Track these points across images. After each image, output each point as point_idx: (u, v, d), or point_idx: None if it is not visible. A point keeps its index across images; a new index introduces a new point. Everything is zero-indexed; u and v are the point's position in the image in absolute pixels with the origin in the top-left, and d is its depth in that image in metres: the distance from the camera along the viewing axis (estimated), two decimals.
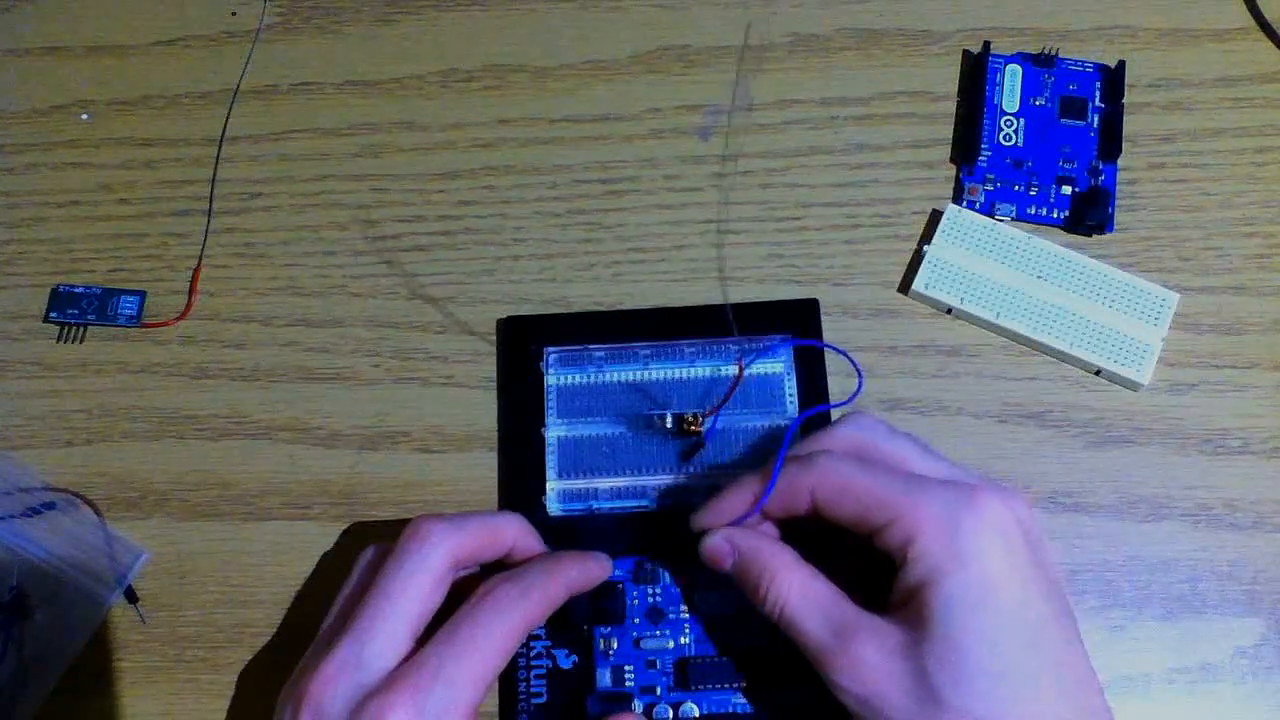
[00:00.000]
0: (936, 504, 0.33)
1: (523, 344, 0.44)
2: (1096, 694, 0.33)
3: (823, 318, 0.44)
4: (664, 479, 0.42)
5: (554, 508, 0.42)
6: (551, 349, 0.44)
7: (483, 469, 0.43)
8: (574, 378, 0.43)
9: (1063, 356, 0.43)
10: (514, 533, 0.37)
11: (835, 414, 0.43)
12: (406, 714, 0.32)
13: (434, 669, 0.33)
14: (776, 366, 0.43)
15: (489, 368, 0.45)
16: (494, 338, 0.45)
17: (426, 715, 0.32)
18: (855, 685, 0.32)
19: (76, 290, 0.46)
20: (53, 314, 0.46)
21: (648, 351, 0.43)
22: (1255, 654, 0.40)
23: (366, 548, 0.38)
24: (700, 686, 0.38)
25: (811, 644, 0.34)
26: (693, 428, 0.42)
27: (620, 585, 0.40)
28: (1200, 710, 0.40)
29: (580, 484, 0.42)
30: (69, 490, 0.42)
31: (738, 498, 0.36)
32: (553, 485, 0.42)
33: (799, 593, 0.34)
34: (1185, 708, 0.40)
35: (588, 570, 0.38)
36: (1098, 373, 0.43)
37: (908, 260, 0.45)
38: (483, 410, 0.44)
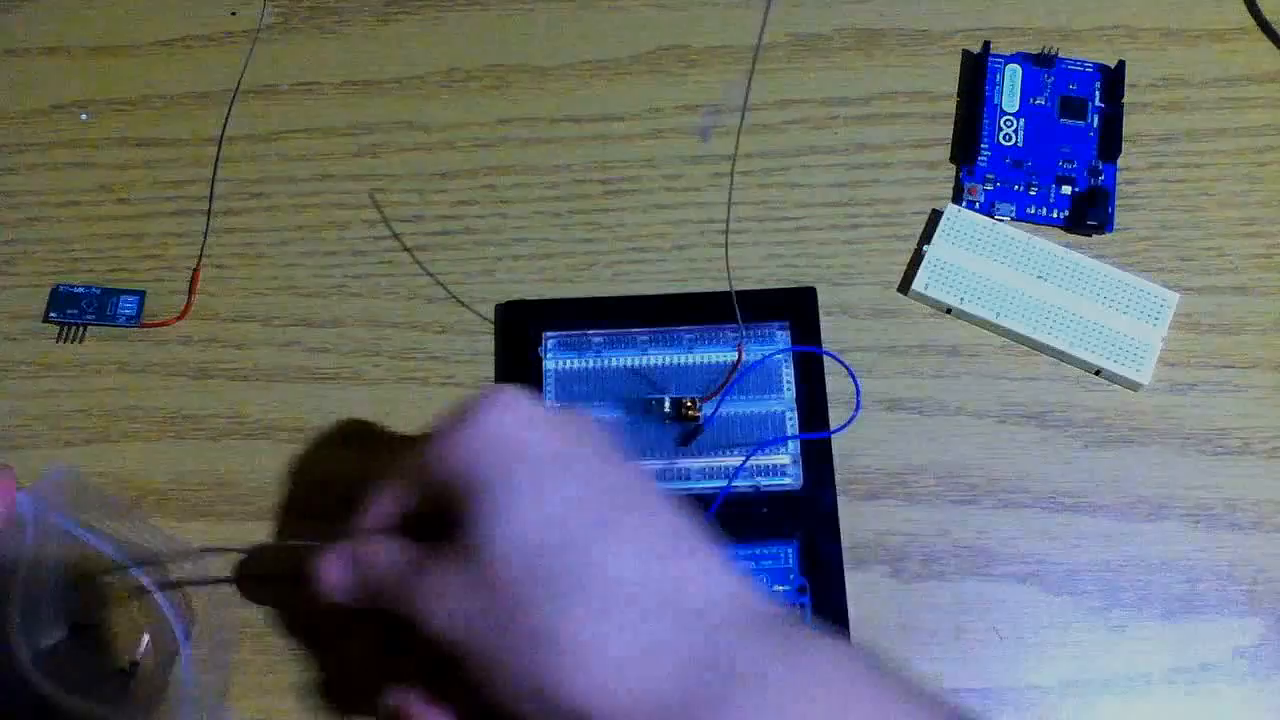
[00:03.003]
0: (448, 420, 0.33)
1: (522, 328, 0.44)
2: (671, 519, 0.32)
3: (823, 318, 0.44)
4: (662, 463, 0.42)
5: None
6: (550, 334, 0.44)
7: None
8: (573, 362, 0.44)
9: (1063, 356, 0.43)
10: None
11: (836, 437, 0.43)
12: None
13: None
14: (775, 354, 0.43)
15: (489, 368, 0.45)
16: (494, 338, 0.45)
17: None
18: (438, 607, 0.31)
19: (76, 290, 0.46)
20: (53, 314, 0.46)
21: (646, 337, 0.44)
22: (1255, 654, 0.40)
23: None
24: None
25: (395, 598, 0.32)
26: (691, 413, 0.42)
27: None
28: (1200, 710, 0.40)
29: None
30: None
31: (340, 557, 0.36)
32: None
33: (378, 562, 0.34)
34: (1185, 708, 0.40)
35: None
36: (1098, 373, 0.43)
37: (908, 260, 0.45)
38: None
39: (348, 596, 0.35)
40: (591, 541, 0.30)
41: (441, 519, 0.32)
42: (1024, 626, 0.40)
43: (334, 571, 0.35)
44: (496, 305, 0.45)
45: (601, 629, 0.29)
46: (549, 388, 0.43)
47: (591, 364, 0.44)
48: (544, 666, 0.29)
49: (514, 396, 0.33)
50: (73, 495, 0.40)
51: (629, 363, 0.43)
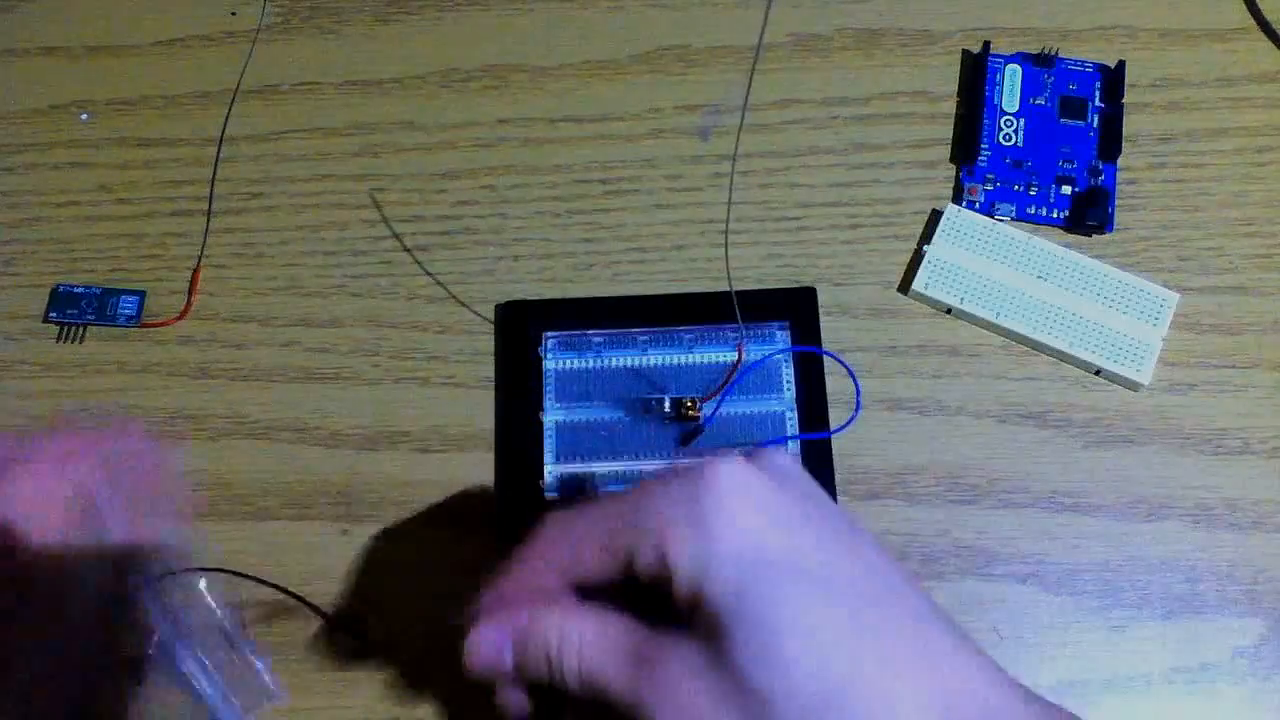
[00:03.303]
0: (667, 500, 0.29)
1: (522, 328, 0.44)
2: (928, 617, 0.29)
3: (823, 318, 0.44)
4: (662, 464, 0.42)
5: (552, 491, 0.42)
6: (550, 334, 0.44)
7: (483, 468, 0.43)
8: (572, 362, 0.44)
9: (1063, 356, 0.43)
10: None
11: (836, 439, 0.43)
12: None
13: None
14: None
15: (488, 368, 0.45)
16: (493, 338, 0.45)
17: None
18: (675, 716, 0.28)
19: (76, 290, 0.46)
20: (53, 314, 0.46)
21: (646, 337, 0.44)
22: (1255, 654, 0.40)
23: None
24: None
25: (617, 689, 0.29)
26: (691, 413, 0.42)
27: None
28: (1200, 710, 0.40)
29: (578, 468, 0.42)
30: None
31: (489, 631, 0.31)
32: (550, 469, 0.42)
33: (592, 641, 0.29)
34: (1185, 708, 0.40)
35: None
36: (1098, 373, 0.43)
37: (908, 260, 0.45)
38: (483, 410, 0.44)
39: (507, 669, 0.31)
40: (871, 681, 0.27)
41: (650, 593, 0.29)
42: (1024, 626, 0.40)
43: (493, 645, 0.31)
44: (496, 305, 0.45)
45: None
46: (549, 388, 0.43)
47: (591, 364, 0.44)
48: None
49: (744, 480, 0.29)
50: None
51: (629, 363, 0.43)
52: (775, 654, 0.27)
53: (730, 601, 0.27)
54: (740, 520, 0.28)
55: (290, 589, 0.41)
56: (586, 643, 0.29)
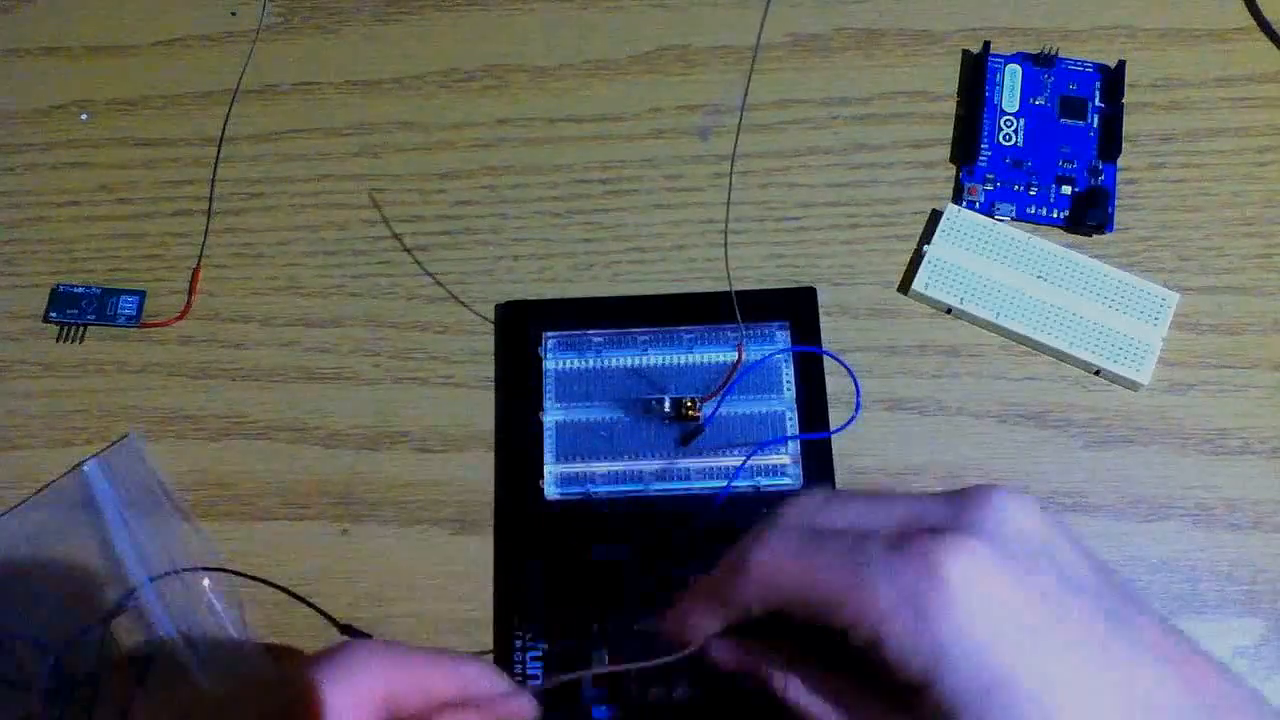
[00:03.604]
0: (886, 583, 0.26)
1: (522, 328, 0.44)
2: (1202, 672, 0.27)
3: (823, 318, 0.44)
4: (662, 463, 0.42)
5: (551, 492, 0.42)
6: (550, 334, 0.44)
7: (482, 469, 0.43)
8: (572, 362, 0.44)
9: (1063, 356, 0.43)
10: (476, 676, 0.29)
11: (835, 439, 0.43)
12: None
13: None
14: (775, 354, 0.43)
15: (488, 368, 0.45)
16: (493, 338, 0.45)
17: None
18: None
19: (76, 290, 0.46)
20: (53, 314, 0.46)
21: (646, 337, 0.44)
22: (1255, 654, 0.40)
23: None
24: (692, 669, 0.38)
25: None
26: (691, 412, 0.42)
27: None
28: None
29: (578, 468, 0.42)
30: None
31: (689, 621, 0.30)
32: (550, 469, 0.42)
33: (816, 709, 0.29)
34: None
35: (498, 691, 0.29)
36: (1098, 373, 0.43)
37: (908, 260, 0.45)
38: (482, 410, 0.44)
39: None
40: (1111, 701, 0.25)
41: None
42: None
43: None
44: (496, 305, 0.45)
45: None
46: (549, 387, 0.43)
47: (591, 364, 0.44)
48: None
49: (980, 576, 0.26)
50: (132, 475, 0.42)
51: (629, 363, 0.43)
52: None
53: (968, 705, 0.25)
54: (972, 628, 0.25)
55: (290, 589, 0.41)
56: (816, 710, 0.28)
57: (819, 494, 0.30)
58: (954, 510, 0.27)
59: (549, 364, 0.44)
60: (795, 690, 0.29)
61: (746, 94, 0.47)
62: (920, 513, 0.28)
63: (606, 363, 0.44)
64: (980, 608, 0.25)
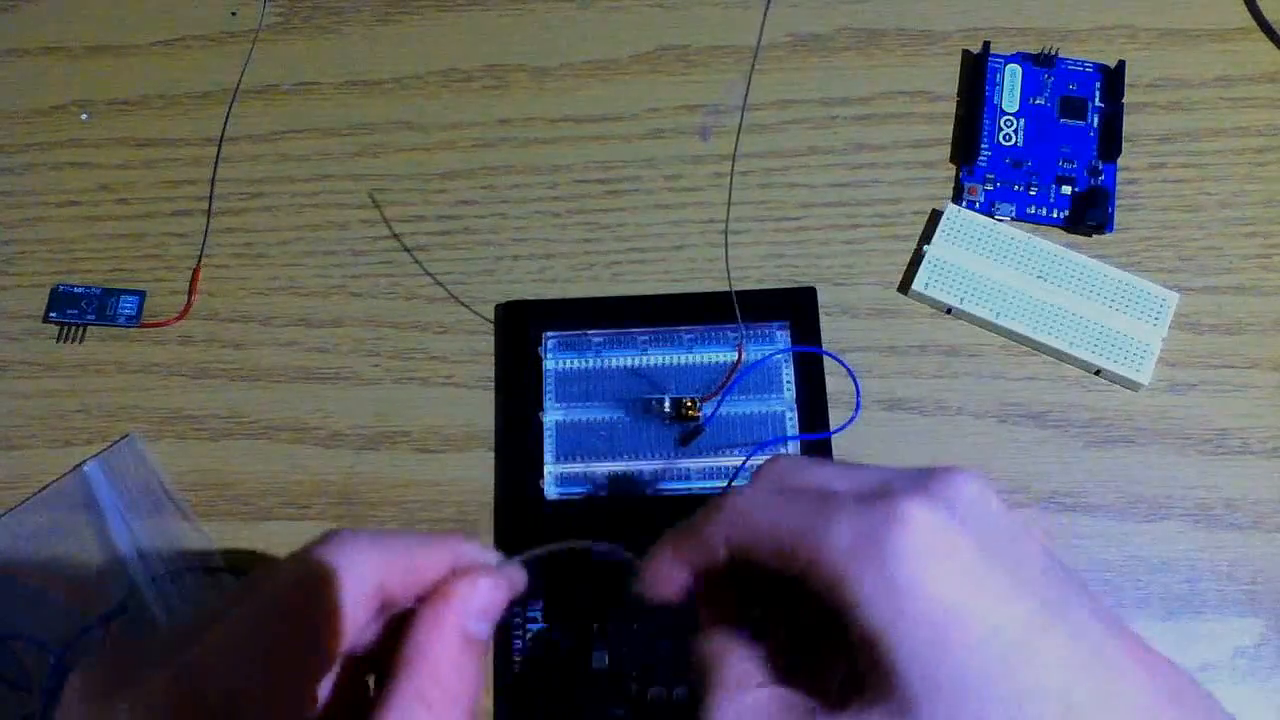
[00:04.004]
0: (850, 532, 0.26)
1: (522, 328, 0.44)
2: (1144, 681, 0.26)
3: (823, 318, 0.44)
4: (662, 464, 0.42)
5: (551, 491, 0.42)
6: (550, 334, 0.44)
7: (482, 468, 0.43)
8: (572, 362, 0.44)
9: (1063, 356, 0.43)
10: (457, 548, 0.29)
11: (834, 440, 0.43)
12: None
13: None
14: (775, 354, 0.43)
15: (488, 368, 0.45)
16: (493, 338, 0.45)
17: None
18: None
19: (76, 290, 0.46)
20: (53, 314, 0.46)
21: (646, 337, 0.44)
22: (1255, 654, 0.40)
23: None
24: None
25: None
26: (691, 412, 0.42)
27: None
28: None
29: (578, 468, 0.42)
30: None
31: (663, 568, 0.30)
32: (550, 469, 0.42)
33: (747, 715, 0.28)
34: None
35: (481, 562, 0.29)
36: (1098, 373, 0.43)
37: (908, 260, 0.45)
38: (482, 410, 0.44)
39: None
40: (1062, 683, 0.25)
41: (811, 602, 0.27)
42: None
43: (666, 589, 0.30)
44: (496, 305, 0.45)
45: None
46: (549, 387, 0.43)
47: (591, 364, 0.44)
48: None
49: (941, 535, 0.26)
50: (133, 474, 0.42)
51: (629, 363, 0.43)
52: (967, 711, 0.25)
53: (912, 678, 0.25)
54: (932, 583, 0.25)
55: None
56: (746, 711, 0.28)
57: (795, 456, 0.30)
58: (920, 480, 0.28)
59: (549, 364, 0.44)
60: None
61: (747, 94, 0.47)
62: (889, 479, 0.28)
63: (606, 363, 0.44)
64: (941, 556, 0.26)
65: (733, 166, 0.46)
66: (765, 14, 0.49)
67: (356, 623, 0.27)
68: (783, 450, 0.42)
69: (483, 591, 0.28)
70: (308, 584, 0.26)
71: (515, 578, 0.30)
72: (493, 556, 0.29)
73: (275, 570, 0.27)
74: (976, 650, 0.25)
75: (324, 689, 0.27)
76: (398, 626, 0.28)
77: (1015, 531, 0.28)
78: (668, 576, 0.30)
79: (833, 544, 0.26)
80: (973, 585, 0.26)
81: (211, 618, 0.26)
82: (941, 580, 0.26)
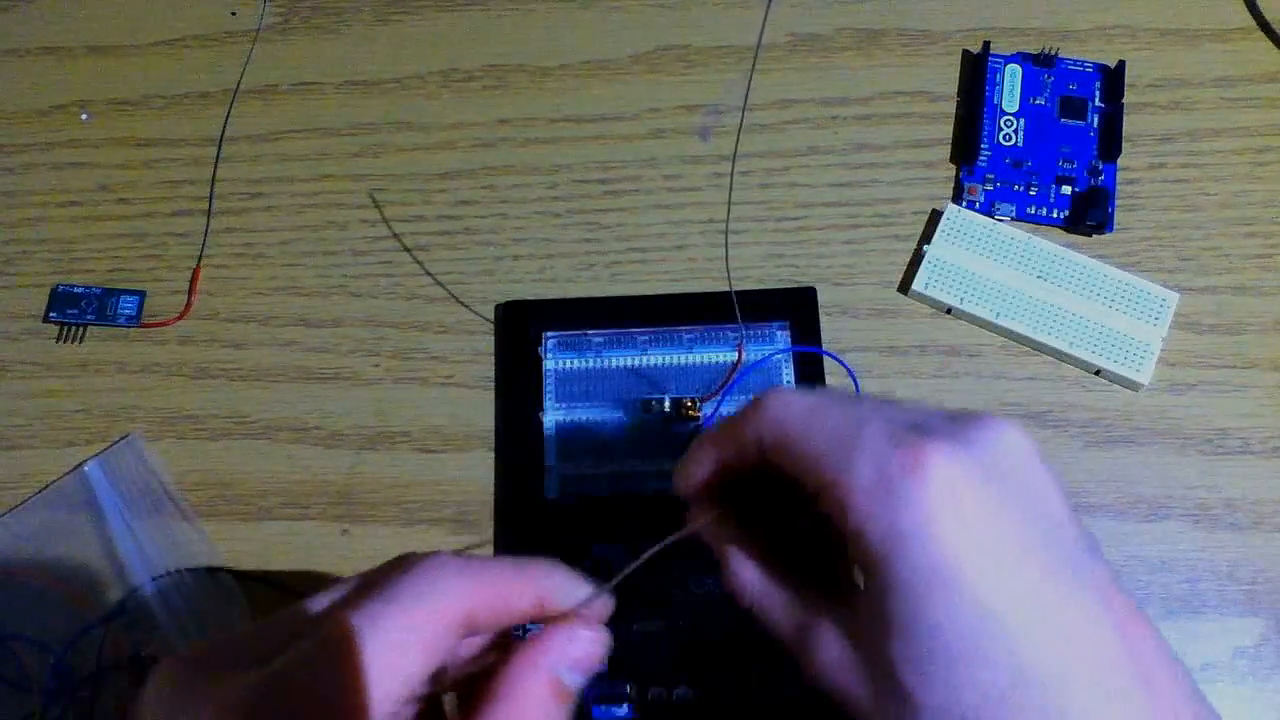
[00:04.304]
0: (869, 467, 0.27)
1: (522, 328, 0.44)
2: (1121, 652, 0.27)
3: (823, 318, 0.44)
4: (662, 464, 0.42)
5: (551, 491, 0.42)
6: (550, 334, 0.44)
7: (483, 468, 0.43)
8: (573, 362, 0.44)
9: (1063, 356, 0.43)
10: (555, 579, 0.29)
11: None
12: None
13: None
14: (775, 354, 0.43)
15: (488, 368, 0.45)
16: (493, 338, 0.45)
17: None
18: (817, 680, 0.29)
19: (76, 290, 0.46)
20: (53, 314, 0.46)
21: (646, 337, 0.44)
22: (1255, 654, 0.40)
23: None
24: (693, 670, 0.39)
25: (776, 635, 0.31)
26: (691, 413, 0.42)
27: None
28: None
29: (578, 468, 0.42)
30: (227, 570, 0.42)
31: (702, 461, 0.32)
32: (551, 469, 0.42)
33: (757, 588, 0.31)
34: None
35: (572, 590, 0.29)
36: (1098, 373, 0.43)
37: (908, 260, 0.45)
38: (482, 410, 0.44)
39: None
40: (1038, 646, 0.26)
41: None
42: None
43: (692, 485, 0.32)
44: (496, 305, 0.45)
45: None
46: (549, 387, 0.43)
47: (591, 364, 0.44)
48: None
49: (960, 481, 0.27)
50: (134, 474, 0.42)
51: (629, 363, 0.43)
52: (933, 670, 0.26)
53: (901, 603, 0.27)
54: (936, 527, 0.26)
55: (290, 588, 0.41)
56: (752, 591, 0.31)
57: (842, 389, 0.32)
58: (956, 426, 0.28)
59: (549, 364, 0.44)
60: (748, 587, 0.31)
61: (747, 94, 0.47)
62: (927, 419, 0.29)
63: (606, 363, 0.44)
64: (948, 508, 0.26)
65: (733, 166, 0.46)
66: (766, 14, 0.49)
67: (442, 648, 0.26)
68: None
69: (582, 644, 0.28)
70: (399, 604, 0.26)
71: (604, 608, 0.30)
72: (584, 589, 0.29)
73: (372, 585, 0.27)
74: (956, 610, 0.26)
75: (407, 708, 0.27)
76: (479, 650, 0.29)
77: (1041, 491, 0.28)
78: (701, 465, 0.32)
79: (853, 475, 0.27)
80: (974, 547, 0.26)
81: (300, 621, 0.26)
82: (945, 537, 0.26)
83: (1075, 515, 0.29)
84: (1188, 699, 0.27)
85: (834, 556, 0.31)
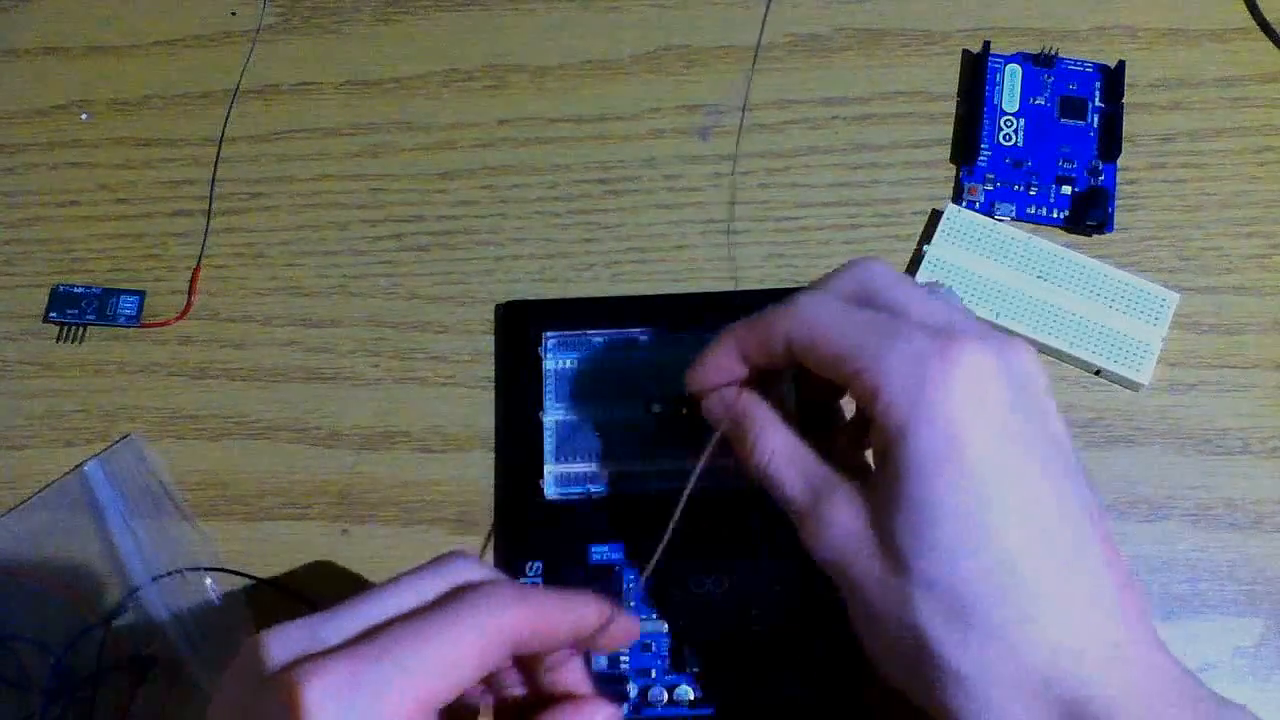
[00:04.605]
0: (903, 353, 0.30)
1: (522, 328, 0.44)
2: (1100, 561, 0.30)
3: None
4: (662, 464, 0.42)
5: (551, 491, 0.42)
6: (550, 333, 0.44)
7: (483, 468, 0.43)
8: (572, 362, 0.44)
9: (1063, 356, 0.44)
10: (595, 610, 0.32)
11: None
12: (338, 679, 0.27)
13: (386, 645, 0.28)
14: None
15: (488, 368, 0.45)
16: (493, 338, 0.45)
17: (361, 688, 0.27)
18: (823, 548, 0.31)
19: (76, 290, 0.46)
20: (52, 314, 0.46)
21: (646, 337, 0.44)
22: (1255, 654, 0.40)
23: (457, 555, 0.32)
24: (695, 669, 0.39)
25: (789, 504, 0.33)
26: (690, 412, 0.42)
27: (616, 568, 0.40)
28: None
29: (578, 468, 0.42)
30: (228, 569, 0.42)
31: (722, 356, 0.35)
32: (550, 469, 0.42)
33: (781, 453, 0.33)
34: None
35: (606, 619, 0.32)
36: (1098, 373, 0.43)
37: (908, 260, 0.45)
38: (483, 410, 0.44)
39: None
40: (1026, 535, 0.29)
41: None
42: None
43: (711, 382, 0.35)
44: (496, 305, 0.45)
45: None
46: (548, 387, 0.43)
47: (591, 363, 0.44)
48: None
49: (986, 378, 0.30)
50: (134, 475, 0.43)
51: (629, 363, 0.43)
52: (930, 540, 0.29)
53: (912, 475, 0.29)
54: (956, 407, 0.29)
55: (290, 589, 0.41)
56: (776, 455, 0.33)
57: (878, 264, 0.33)
58: (985, 330, 0.31)
59: (549, 364, 0.44)
60: (771, 450, 0.33)
61: (748, 94, 0.47)
62: (959, 319, 0.31)
63: (606, 363, 0.44)
64: (972, 396, 0.29)
65: (734, 166, 0.46)
66: (766, 14, 0.49)
67: (487, 669, 0.29)
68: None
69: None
70: (457, 628, 0.29)
71: (633, 629, 0.34)
72: (613, 614, 0.32)
73: (429, 596, 0.31)
74: (958, 492, 0.29)
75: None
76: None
77: (1046, 408, 0.31)
78: (725, 363, 0.34)
79: (889, 358, 0.30)
80: (987, 436, 0.29)
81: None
82: (963, 419, 0.29)
83: (1072, 450, 0.31)
84: (1154, 633, 0.30)
85: (849, 444, 0.34)
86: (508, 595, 0.30)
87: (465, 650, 0.28)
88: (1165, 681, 0.29)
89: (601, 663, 0.39)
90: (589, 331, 0.44)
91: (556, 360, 0.44)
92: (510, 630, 0.29)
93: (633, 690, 0.39)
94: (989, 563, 0.29)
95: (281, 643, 0.28)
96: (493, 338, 0.45)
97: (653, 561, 0.34)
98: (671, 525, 0.34)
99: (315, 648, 0.28)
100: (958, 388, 0.29)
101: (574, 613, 0.31)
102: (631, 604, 0.38)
